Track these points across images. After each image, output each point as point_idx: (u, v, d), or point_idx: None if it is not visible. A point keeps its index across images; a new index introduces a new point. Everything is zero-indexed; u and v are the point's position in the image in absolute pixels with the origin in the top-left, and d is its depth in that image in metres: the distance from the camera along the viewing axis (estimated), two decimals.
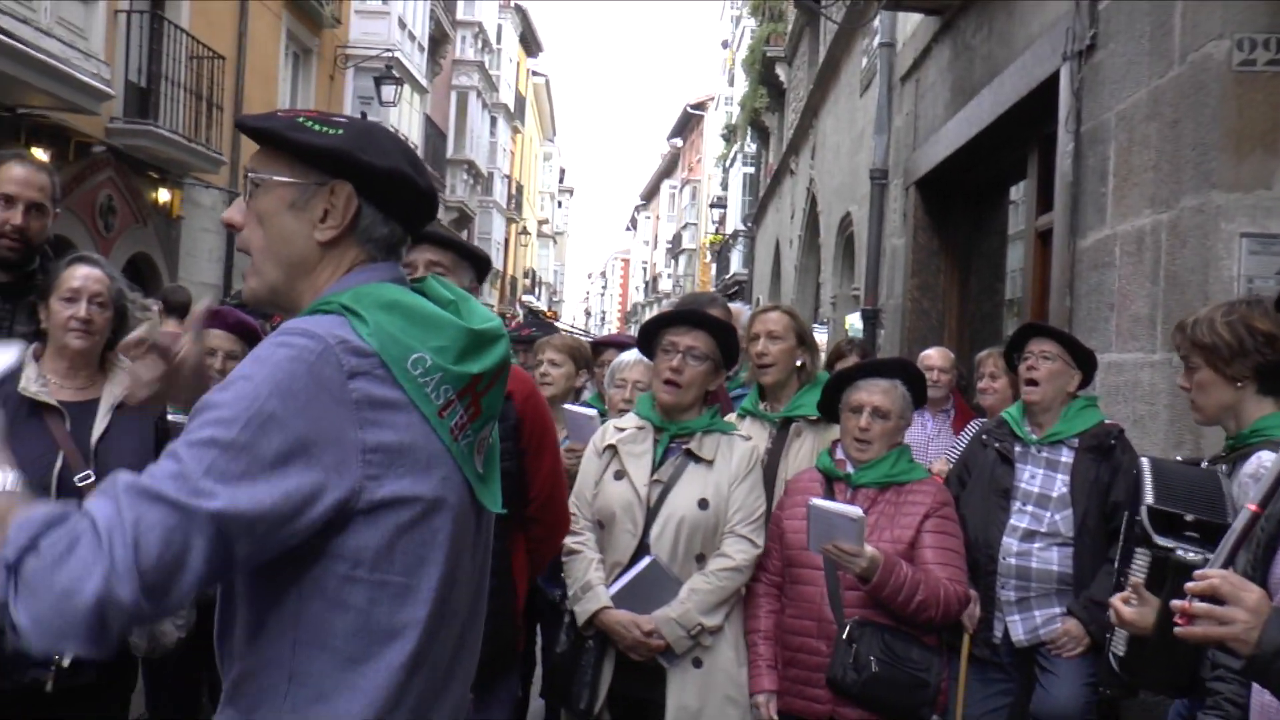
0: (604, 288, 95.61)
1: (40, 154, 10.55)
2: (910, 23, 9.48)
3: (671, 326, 3.68)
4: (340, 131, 1.67)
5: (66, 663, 3.09)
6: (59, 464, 3.18)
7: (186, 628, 3.45)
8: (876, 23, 10.66)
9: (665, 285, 55.44)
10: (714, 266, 38.93)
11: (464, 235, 32.62)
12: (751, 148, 29.21)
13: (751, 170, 30.59)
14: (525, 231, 48.40)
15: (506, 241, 39.86)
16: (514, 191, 42.34)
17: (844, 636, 3.40)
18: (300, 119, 1.69)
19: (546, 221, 62.84)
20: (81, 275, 3.32)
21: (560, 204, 72.83)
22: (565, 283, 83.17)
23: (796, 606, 3.56)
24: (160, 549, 1.37)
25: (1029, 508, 3.96)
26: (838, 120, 13.84)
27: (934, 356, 6.14)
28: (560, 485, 3.52)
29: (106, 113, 12.39)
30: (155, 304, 5.17)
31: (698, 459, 3.57)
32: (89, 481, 3.17)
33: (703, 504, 3.51)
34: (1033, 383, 4.05)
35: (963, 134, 7.46)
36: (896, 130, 10.03)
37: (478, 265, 3.28)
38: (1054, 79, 5.69)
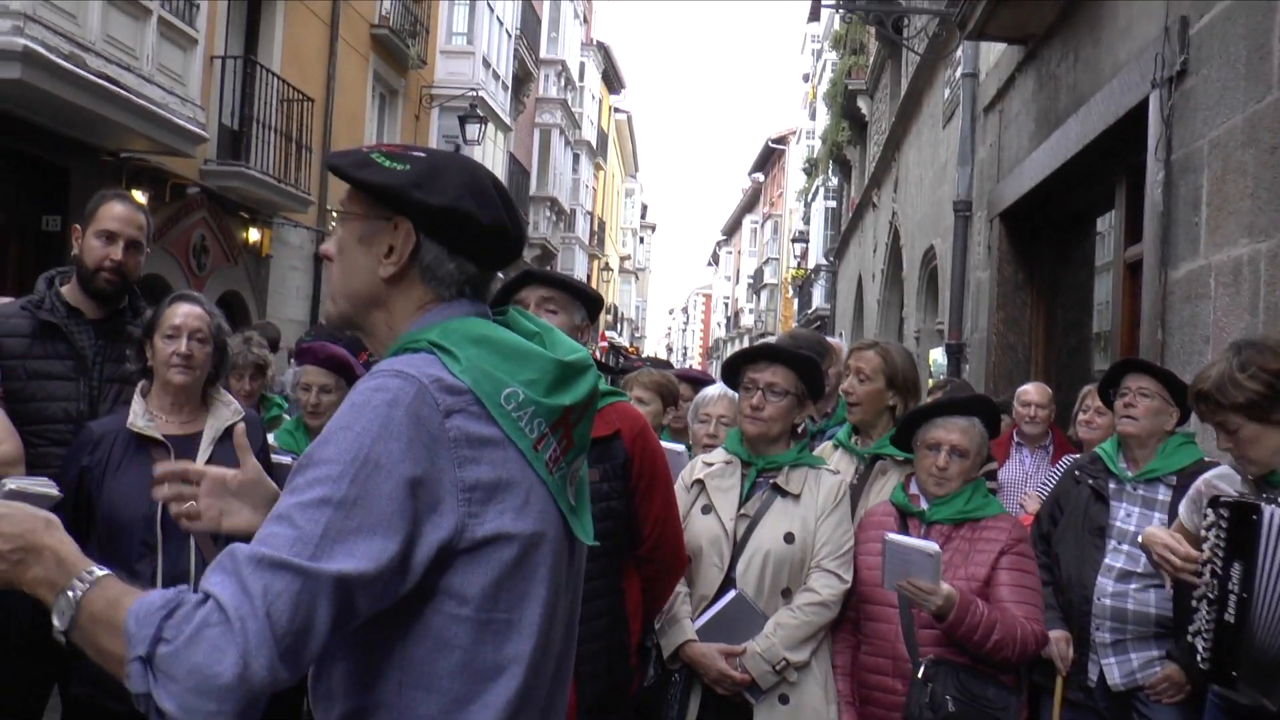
0: (685, 323, 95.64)
1: (139, 195, 10.90)
2: (993, 53, 9.39)
3: (751, 363, 3.68)
4: (407, 166, 1.67)
5: None
6: None
7: None
8: (959, 53, 10.58)
9: (747, 320, 55.31)
10: (796, 301, 38.77)
11: None
12: (833, 181, 29.10)
13: (833, 204, 30.46)
14: (608, 268, 48.67)
15: (589, 278, 40.10)
16: (596, 228, 42.60)
17: (919, 675, 3.34)
18: (374, 154, 1.69)
19: (629, 257, 63.11)
20: (183, 313, 3.43)
21: (642, 240, 73.11)
22: (647, 318, 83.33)
23: (871, 644, 3.51)
24: (290, 616, 1.39)
25: (1124, 547, 3.86)
26: (920, 152, 13.74)
27: (1032, 392, 6.04)
28: (673, 524, 3.43)
29: (201, 155, 12.72)
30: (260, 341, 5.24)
31: (785, 493, 3.56)
32: None
33: (789, 538, 3.49)
34: (1130, 419, 3.95)
35: (1048, 164, 7.35)
36: (980, 162, 9.92)
37: (589, 304, 3.30)
38: (1143, 107, 5.59)
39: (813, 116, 36.23)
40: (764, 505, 3.55)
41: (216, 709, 1.35)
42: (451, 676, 1.55)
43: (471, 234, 1.69)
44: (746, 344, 12.20)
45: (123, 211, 3.75)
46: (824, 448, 4.15)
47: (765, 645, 3.40)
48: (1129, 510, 3.91)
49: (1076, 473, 4.18)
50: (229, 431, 3.46)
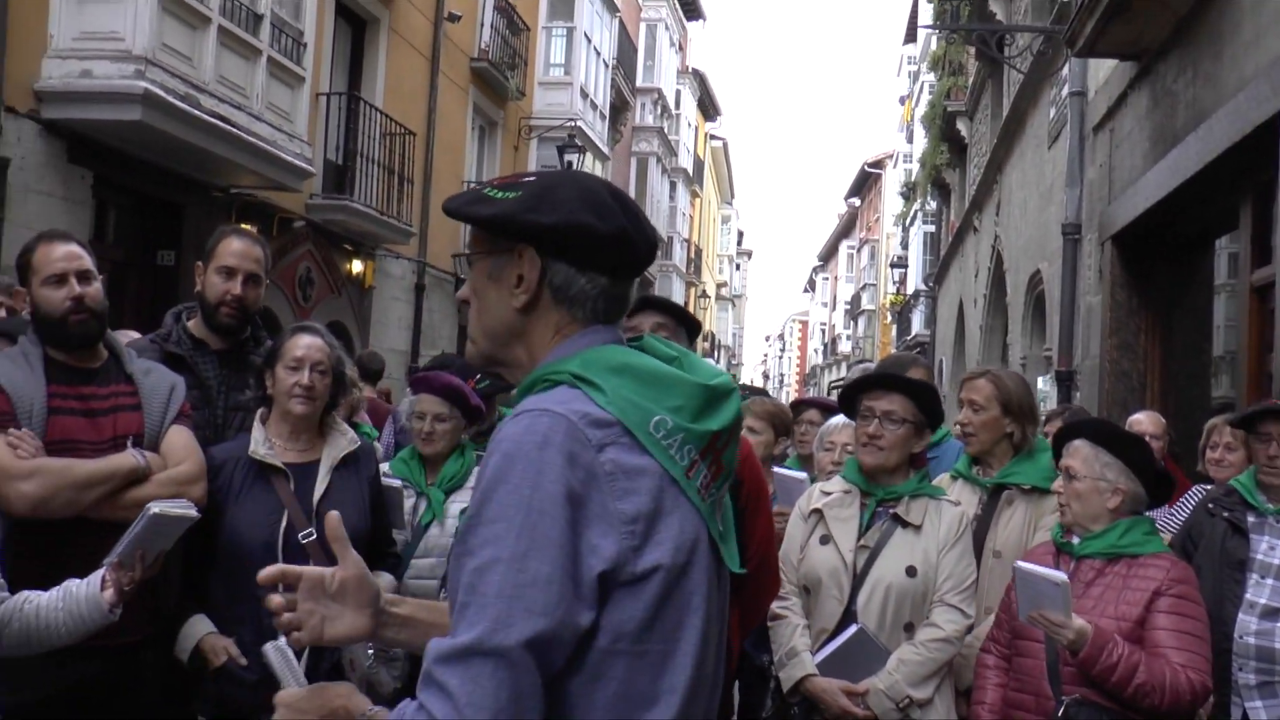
0: (782, 350, 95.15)
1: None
2: (1103, 70, 9.16)
3: (868, 391, 3.61)
4: (518, 193, 1.66)
5: None
6: (284, 523, 3.37)
7: (402, 678, 3.54)
8: (1065, 71, 10.35)
9: (844, 347, 54.82)
10: (895, 328, 38.31)
11: None
12: (932, 205, 28.70)
13: (932, 228, 30.05)
14: (704, 295, 48.64)
15: (686, 305, 40.10)
16: (693, 255, 42.63)
17: (1059, 714, 3.21)
18: (486, 189, 1.69)
19: (725, 284, 63.06)
20: (304, 344, 3.50)
21: (739, 267, 72.99)
22: (744, 346, 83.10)
23: (1018, 680, 3.38)
24: (494, 699, 1.39)
25: (1269, 581, 3.68)
26: (1024, 174, 13.47)
27: (1144, 422, 5.73)
28: (773, 545, 3.49)
29: (307, 189, 13.03)
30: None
31: (905, 524, 3.47)
32: (311, 539, 3.36)
33: (910, 571, 3.41)
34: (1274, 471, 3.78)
35: (1165, 184, 7.12)
36: (1089, 183, 9.67)
37: (690, 329, 3.34)
38: (1273, 122, 5.37)
39: (910, 139, 35.84)
40: (884, 536, 3.47)
41: None
42: (604, 708, 1.51)
43: (594, 246, 1.65)
44: (844, 371, 12.06)
45: (240, 247, 3.82)
46: (942, 479, 4.04)
47: (889, 682, 3.32)
48: (1273, 543, 3.73)
49: (1210, 505, 4.00)
50: (345, 459, 3.54)
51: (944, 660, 3.37)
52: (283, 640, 2.09)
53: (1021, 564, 3.20)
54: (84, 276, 3.28)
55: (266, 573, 1.80)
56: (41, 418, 3.13)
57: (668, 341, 1.74)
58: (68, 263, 3.26)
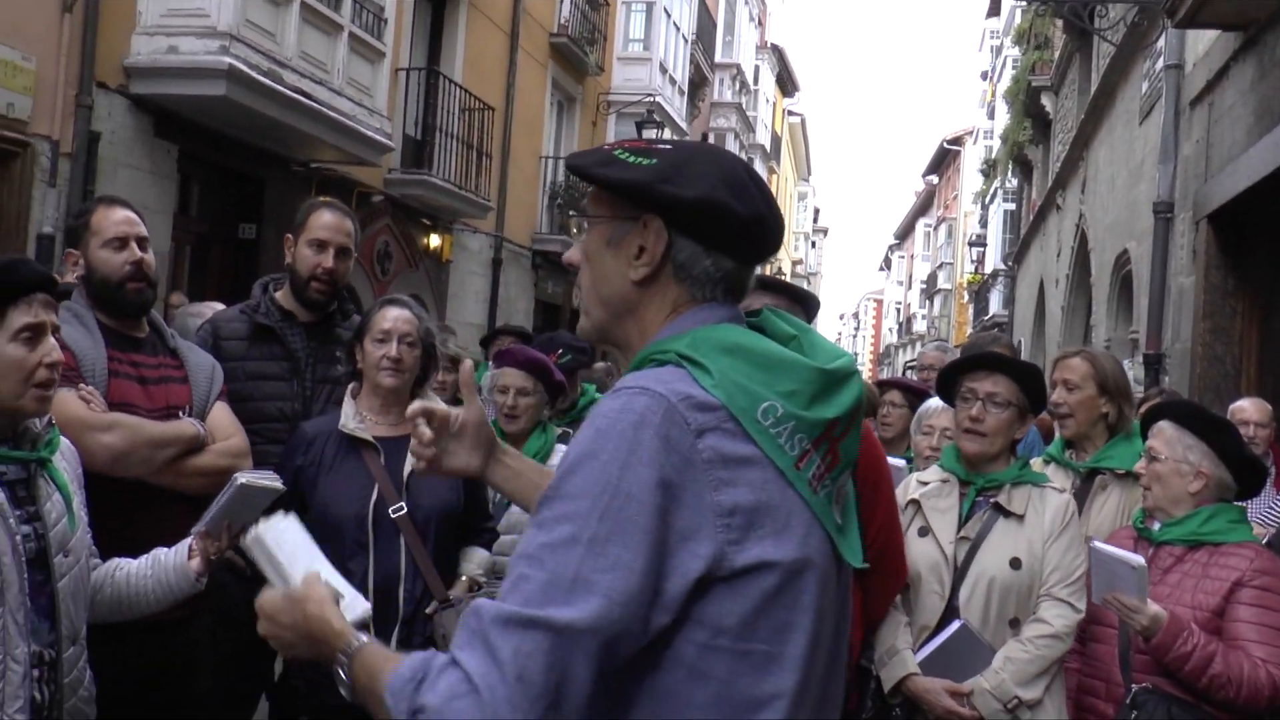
0: (856, 329, 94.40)
1: None
2: (1202, 41, 8.84)
3: (970, 372, 3.44)
4: (654, 161, 1.57)
5: None
6: (374, 496, 3.35)
7: None
8: (1160, 44, 10.02)
9: (919, 326, 54.20)
10: (971, 307, 37.74)
11: None
12: (1013, 183, 28.20)
13: (1012, 206, 29.52)
14: (780, 272, 48.27)
15: None
16: None
17: (1128, 702, 3.10)
18: (618, 151, 1.60)
19: (800, 262, 62.58)
20: (392, 317, 3.47)
21: (814, 244, 72.41)
22: (818, 324, 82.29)
23: (1090, 665, 3.27)
24: (544, 677, 1.30)
25: None
26: (1113, 151, 13.11)
27: (1249, 409, 5.45)
28: (896, 532, 3.29)
29: (386, 164, 13.10)
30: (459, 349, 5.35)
31: (1008, 514, 3.30)
32: (402, 513, 3.35)
33: (1015, 563, 3.24)
34: None
35: (1270, 160, 6.85)
36: (1184, 159, 9.36)
37: (808, 309, 3.20)
38: None
39: (991, 116, 35.19)
40: (985, 527, 3.30)
41: None
42: (705, 708, 1.42)
43: (727, 227, 1.56)
44: (919, 350, 11.89)
45: (332, 220, 3.81)
46: (1035, 463, 3.90)
47: (995, 682, 3.15)
48: None
49: None
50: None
51: (1053, 658, 3.20)
52: (264, 526, 2.17)
53: (1098, 545, 3.09)
54: (142, 243, 3.28)
55: (415, 407, 1.98)
56: (103, 380, 3.10)
57: (787, 317, 1.64)
58: (129, 227, 3.25)
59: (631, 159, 1.57)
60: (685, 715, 1.42)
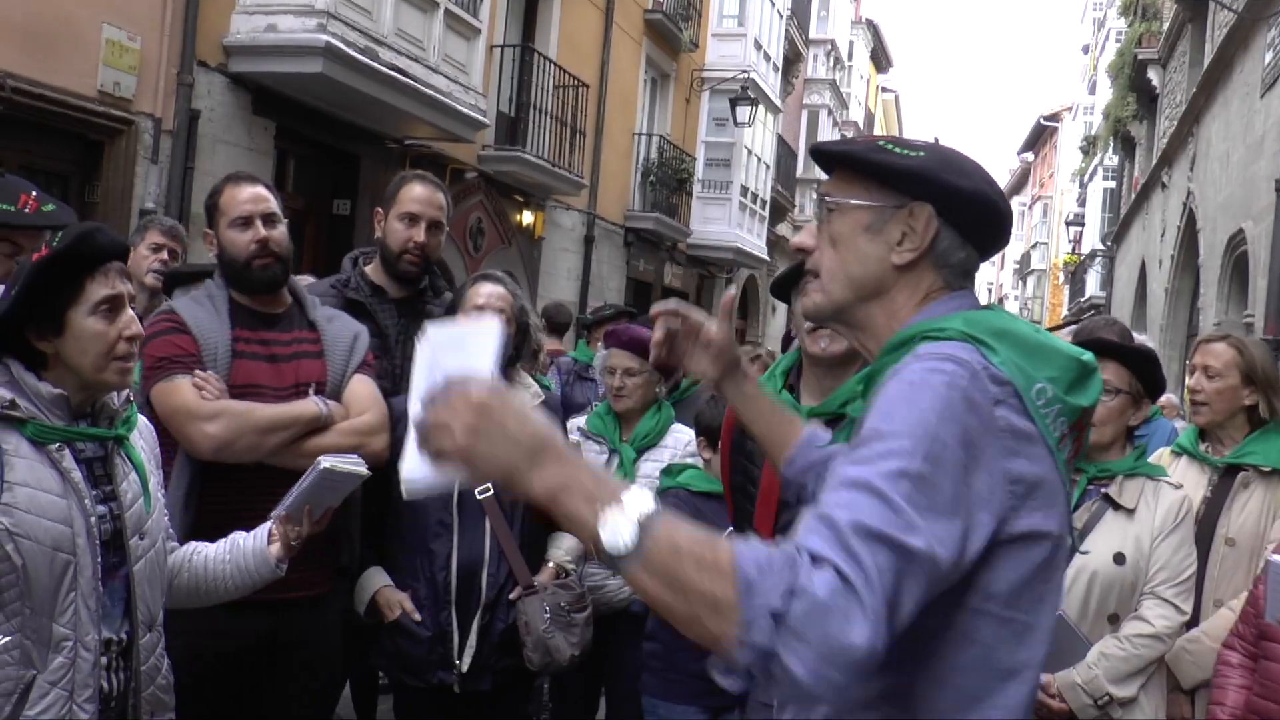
0: None
1: None
2: None
3: None
4: (922, 154, 1.65)
5: (466, 668, 3.22)
6: None
7: (580, 645, 3.42)
8: None
9: (1011, 307, 53.20)
10: (1067, 289, 36.95)
11: None
12: (1114, 160, 27.52)
13: (1113, 185, 28.81)
14: None
15: None
16: None
17: None
18: (880, 143, 1.67)
19: None
20: (485, 293, 3.42)
21: None
22: None
23: (1262, 685, 3.05)
24: (892, 592, 1.31)
25: None
26: (1228, 126, 12.64)
27: None
28: None
29: (479, 141, 13.11)
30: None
31: (1117, 506, 3.16)
32: (488, 494, 3.30)
33: (1119, 559, 3.10)
34: None
35: None
36: None
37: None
38: None
39: (1092, 91, 34.34)
40: (1093, 518, 3.17)
41: (843, 681, 1.27)
42: (965, 672, 1.48)
43: (988, 221, 1.68)
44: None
45: (423, 193, 3.74)
46: (1161, 454, 3.71)
47: (1087, 676, 3.04)
48: None
49: None
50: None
51: (1151, 658, 3.08)
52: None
53: (1276, 558, 2.89)
54: (269, 219, 3.22)
55: (670, 304, 2.11)
56: (226, 361, 3.08)
57: (1012, 313, 1.72)
58: (254, 205, 3.21)
59: (899, 150, 1.65)
60: (946, 678, 1.49)
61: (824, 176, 1.74)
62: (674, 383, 5.13)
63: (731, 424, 3.27)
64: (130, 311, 2.35)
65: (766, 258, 24.27)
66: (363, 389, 3.28)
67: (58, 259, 2.25)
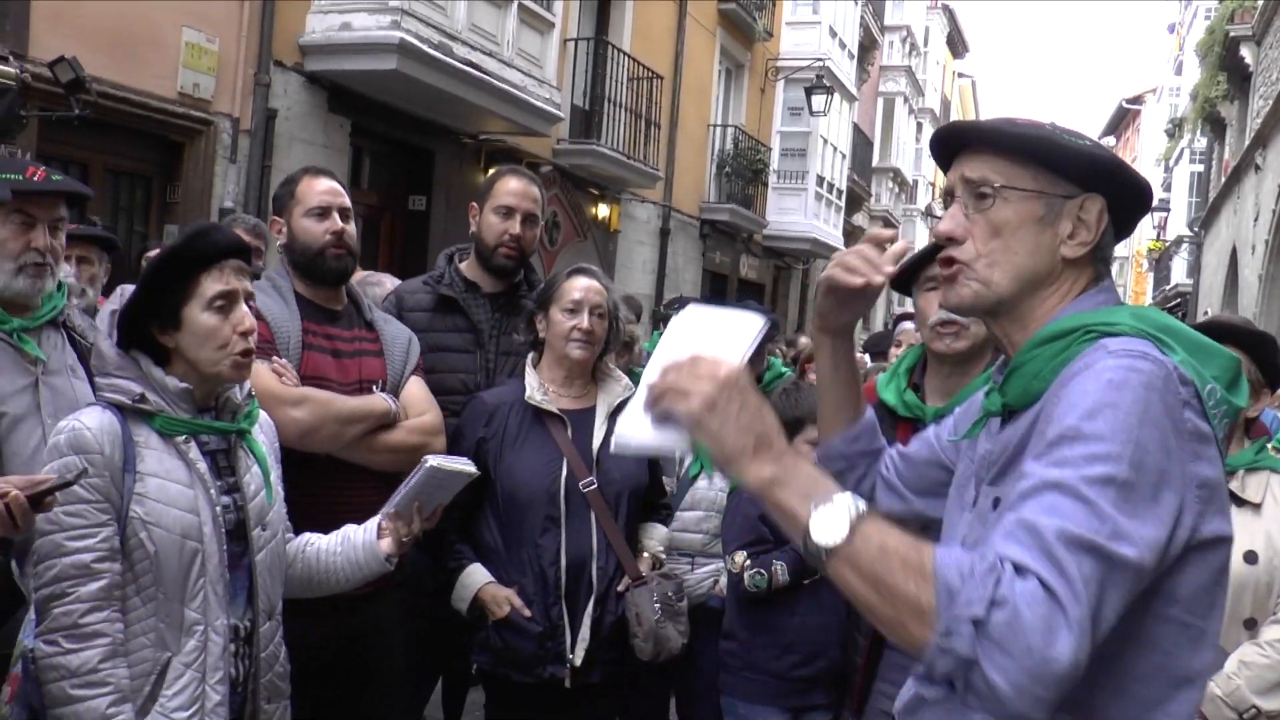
0: None
1: None
2: None
3: None
4: (1088, 143, 1.60)
5: (579, 661, 3.19)
6: (564, 470, 3.24)
7: (688, 634, 3.41)
8: None
9: None
10: (1151, 276, 36.12)
11: None
12: (1201, 143, 26.78)
13: (1200, 168, 28.04)
14: None
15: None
16: (938, 199, 41.29)
17: None
18: (1055, 130, 1.62)
19: None
20: (583, 287, 3.35)
21: None
22: None
23: None
24: (1097, 603, 1.28)
25: None
26: None
27: None
28: None
29: (554, 135, 13.09)
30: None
31: (1241, 502, 2.97)
32: (593, 487, 3.26)
33: (1250, 557, 2.91)
34: None
35: None
36: None
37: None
38: None
39: (1178, 71, 33.48)
40: None
41: (1044, 695, 1.25)
42: (1144, 680, 1.45)
43: (1138, 213, 1.67)
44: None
45: (519, 186, 3.72)
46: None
47: (1228, 688, 2.84)
48: None
49: None
50: (620, 406, 3.36)
51: None
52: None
53: None
54: (345, 214, 3.27)
55: (884, 232, 1.92)
56: (297, 352, 3.10)
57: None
58: (332, 197, 3.26)
59: (1069, 139, 1.59)
60: (1124, 685, 1.45)
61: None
62: (755, 376, 5.04)
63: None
64: (244, 308, 2.42)
65: (843, 248, 23.88)
66: (420, 391, 3.32)
67: (173, 255, 2.36)
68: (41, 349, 2.82)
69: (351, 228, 3.29)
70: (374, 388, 3.20)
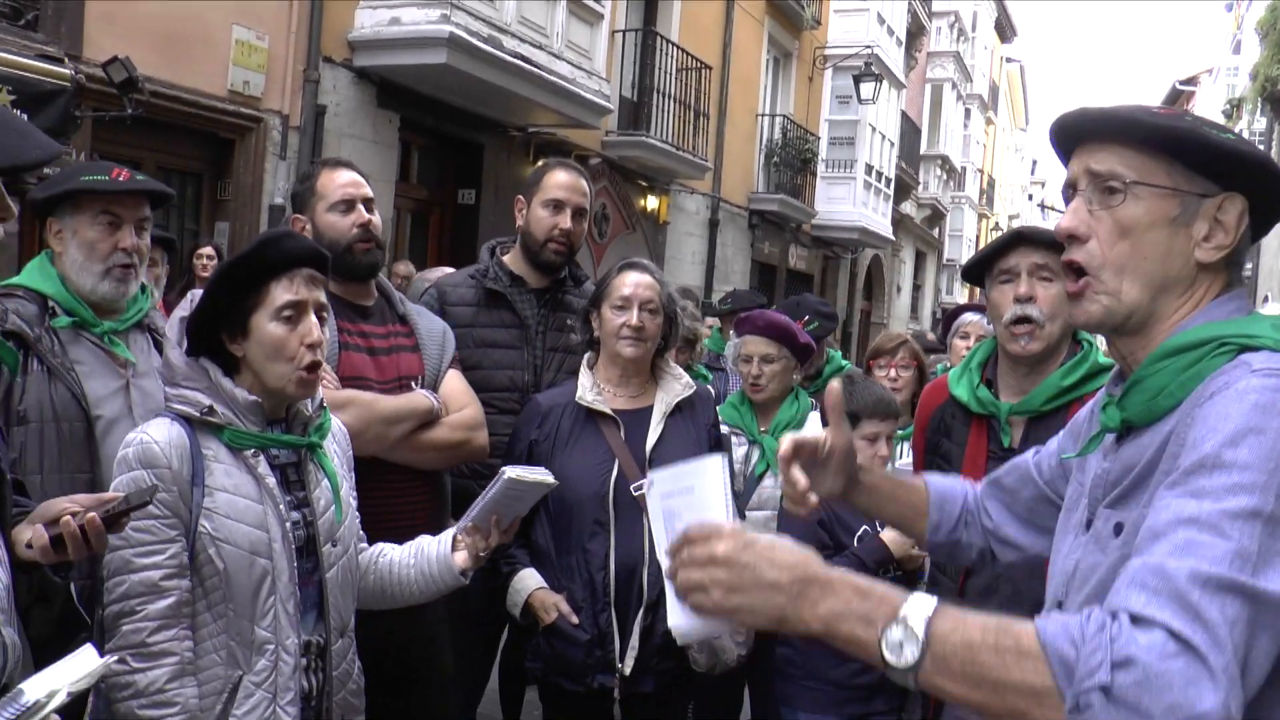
0: None
1: None
2: None
3: None
4: (1234, 139, 1.47)
5: (628, 671, 3.08)
6: (615, 472, 3.13)
7: (746, 645, 3.29)
8: None
9: None
10: None
11: (934, 233, 31.78)
12: (1261, 123, 26.17)
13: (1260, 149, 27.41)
14: (996, 228, 46.51)
15: (978, 239, 38.44)
16: (986, 185, 40.80)
17: None
18: (1189, 117, 1.48)
19: (1017, 216, 60.12)
20: (632, 282, 3.24)
21: (1031, 197, 69.50)
22: None
23: None
24: (1245, 646, 1.18)
25: None
26: None
27: None
28: None
29: (603, 127, 13.02)
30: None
31: None
32: (643, 491, 3.12)
33: None
34: None
35: None
36: None
37: None
38: None
39: (1236, 51, 32.80)
40: None
41: None
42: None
43: (1274, 218, 1.53)
44: None
45: (568, 179, 3.64)
46: None
47: None
48: None
49: None
50: (680, 405, 3.26)
51: None
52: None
53: None
54: (369, 205, 3.18)
55: (787, 448, 1.81)
56: (334, 353, 3.00)
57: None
58: (355, 189, 3.16)
59: (1215, 133, 1.46)
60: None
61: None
62: (816, 370, 4.93)
63: (928, 413, 3.13)
64: (313, 319, 2.33)
65: (891, 237, 23.77)
66: (459, 384, 3.23)
67: (242, 261, 2.29)
68: (130, 351, 2.83)
69: (377, 218, 3.19)
70: (413, 384, 3.12)
